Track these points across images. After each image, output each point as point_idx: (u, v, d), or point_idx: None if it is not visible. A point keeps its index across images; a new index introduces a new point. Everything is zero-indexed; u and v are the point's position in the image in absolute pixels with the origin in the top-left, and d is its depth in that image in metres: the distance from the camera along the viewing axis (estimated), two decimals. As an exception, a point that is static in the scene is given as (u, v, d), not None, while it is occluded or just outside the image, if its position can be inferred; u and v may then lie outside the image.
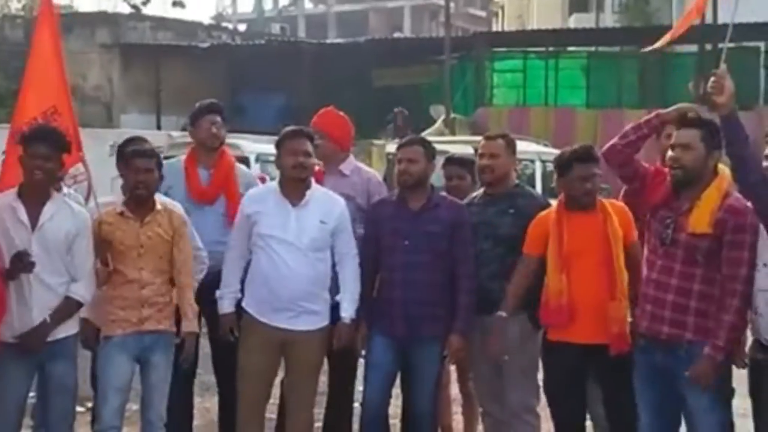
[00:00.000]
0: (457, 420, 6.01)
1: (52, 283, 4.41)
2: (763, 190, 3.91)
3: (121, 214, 4.66)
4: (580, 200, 4.62)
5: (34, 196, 4.42)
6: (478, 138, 5.46)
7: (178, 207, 4.86)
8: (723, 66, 4.10)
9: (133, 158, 4.68)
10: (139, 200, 4.66)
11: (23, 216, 4.38)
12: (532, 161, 13.61)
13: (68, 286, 4.46)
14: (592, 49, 27.26)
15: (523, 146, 11.07)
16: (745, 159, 3.94)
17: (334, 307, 4.86)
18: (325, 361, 5.08)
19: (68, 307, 4.48)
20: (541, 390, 4.86)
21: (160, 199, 4.79)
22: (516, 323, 4.75)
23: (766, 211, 3.95)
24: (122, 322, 4.61)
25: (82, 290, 4.51)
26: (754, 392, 4.06)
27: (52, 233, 4.40)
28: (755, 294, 4.02)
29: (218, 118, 5.32)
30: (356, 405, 5.22)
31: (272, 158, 5.11)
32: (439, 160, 5.38)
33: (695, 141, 4.12)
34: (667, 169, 4.27)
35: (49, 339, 4.40)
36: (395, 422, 5.42)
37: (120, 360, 4.60)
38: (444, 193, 5.20)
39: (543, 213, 4.78)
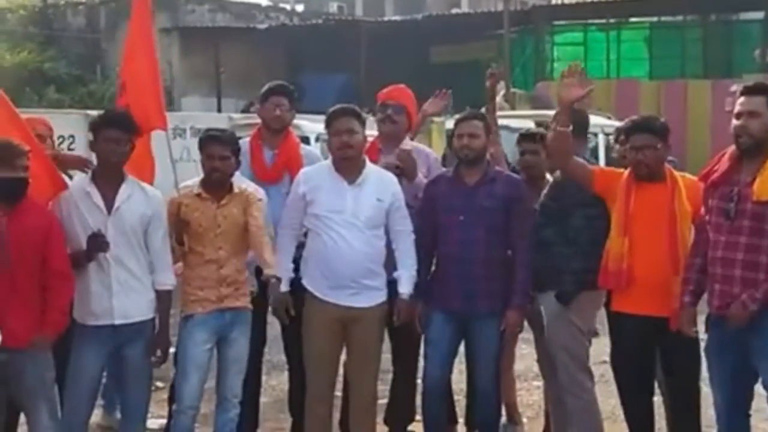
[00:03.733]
0: (524, 395, 5.99)
1: (131, 265, 4.49)
2: None
3: (199, 195, 4.70)
4: (636, 170, 4.55)
5: (108, 179, 4.49)
6: (539, 112, 5.41)
7: (259, 191, 4.90)
8: None
9: (209, 144, 4.72)
10: (215, 183, 4.71)
11: (98, 200, 4.45)
12: (595, 134, 13.43)
13: (148, 273, 4.53)
14: (655, 19, 26.77)
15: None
16: None
17: (391, 283, 4.86)
18: (387, 338, 5.09)
19: (165, 300, 4.59)
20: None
21: (240, 181, 4.82)
22: (544, 302, 4.74)
23: None
24: (202, 302, 4.66)
25: (166, 278, 4.61)
26: None
27: (127, 216, 4.46)
28: None
29: (284, 100, 5.33)
30: (419, 381, 5.22)
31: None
32: (505, 135, 5.35)
33: (761, 107, 4.04)
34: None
35: (126, 322, 4.47)
36: (459, 399, 5.43)
37: (201, 338, 4.65)
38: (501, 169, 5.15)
39: (618, 170, 4.73)
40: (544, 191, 4.99)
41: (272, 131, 5.33)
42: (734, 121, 4.14)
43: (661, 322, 4.41)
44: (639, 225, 4.50)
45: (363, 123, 4.86)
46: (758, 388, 4.22)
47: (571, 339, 4.77)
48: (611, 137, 13.32)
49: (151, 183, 4.78)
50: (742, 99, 4.11)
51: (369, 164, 4.89)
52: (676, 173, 4.62)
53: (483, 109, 5.53)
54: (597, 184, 4.64)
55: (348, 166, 4.79)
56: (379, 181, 4.85)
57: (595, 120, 13.70)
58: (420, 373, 5.10)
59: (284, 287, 4.81)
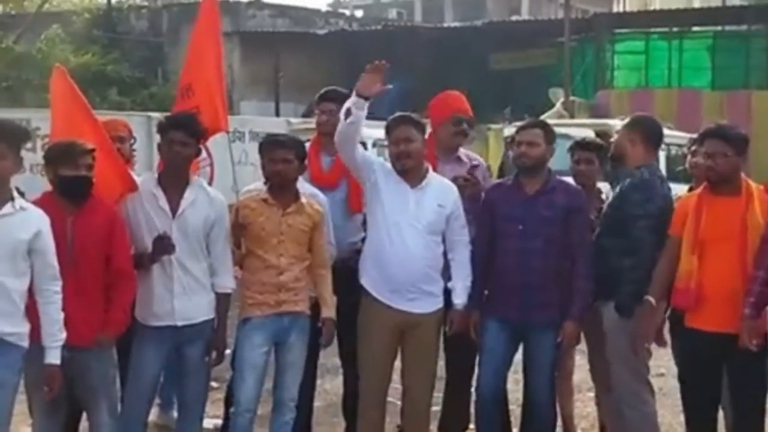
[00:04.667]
0: (579, 407, 5.93)
1: (193, 268, 4.54)
2: None
3: (265, 200, 4.73)
4: (708, 177, 4.48)
5: (174, 182, 4.55)
6: (599, 121, 5.37)
7: (321, 198, 4.93)
8: None
9: (271, 148, 4.75)
10: (280, 188, 4.73)
11: (164, 203, 4.51)
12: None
13: (208, 274, 4.58)
14: (718, 28, 26.38)
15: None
16: None
17: (446, 292, 4.85)
18: (441, 345, 5.08)
19: (224, 302, 4.65)
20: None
21: (305, 188, 4.85)
22: (605, 312, 4.69)
23: None
24: (261, 305, 4.69)
25: (228, 281, 4.66)
26: None
27: (192, 220, 4.51)
28: None
29: (332, 106, 5.33)
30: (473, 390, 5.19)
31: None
32: (565, 144, 5.32)
33: None
34: None
35: (188, 323, 4.53)
36: (514, 408, 5.39)
37: (258, 341, 4.68)
38: (563, 178, 5.12)
39: (688, 194, 4.68)
40: (608, 200, 4.95)
41: (327, 136, 5.35)
42: None
43: (731, 339, 4.32)
44: (711, 241, 4.43)
45: (422, 130, 4.86)
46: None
47: (630, 351, 4.72)
48: (672, 147, 13.22)
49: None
50: None
51: (431, 171, 4.88)
52: (753, 185, 4.52)
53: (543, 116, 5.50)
54: (677, 233, 4.56)
55: (407, 174, 4.80)
56: (441, 188, 4.86)
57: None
58: (474, 382, 5.08)
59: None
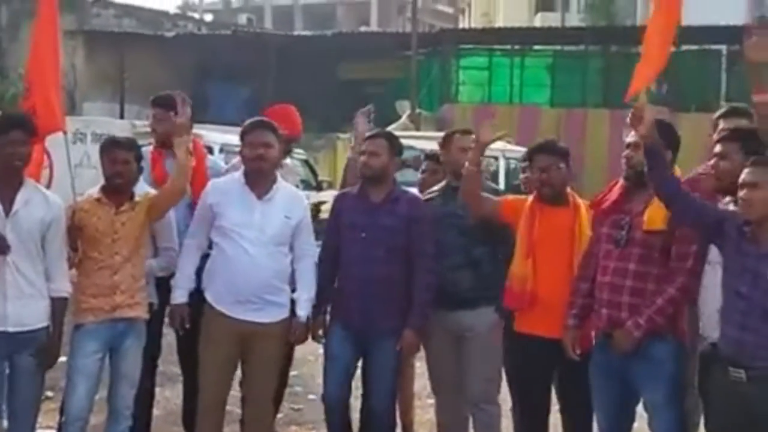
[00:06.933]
0: (419, 414, 6.04)
1: (27, 271, 4.37)
2: (678, 199, 4.00)
3: (98, 200, 4.65)
4: (540, 192, 4.68)
5: (7, 182, 4.39)
6: (443, 134, 5.52)
7: None
8: (643, 97, 4.19)
9: (112, 149, 4.68)
10: (116, 189, 4.67)
11: None
12: (496, 158, 13.69)
13: (44, 278, 4.42)
14: (558, 48, 27.44)
15: (488, 143, 11.13)
16: (663, 182, 4.02)
17: (292, 300, 4.88)
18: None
19: (60, 307, 4.48)
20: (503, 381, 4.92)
21: (144, 192, 4.77)
22: (486, 313, 4.82)
23: (681, 219, 4.04)
24: (95, 310, 4.60)
25: (63, 285, 4.50)
26: (701, 385, 4.12)
27: (26, 220, 4.36)
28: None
29: (160, 111, 5.29)
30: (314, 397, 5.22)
31: (237, 149, 5.12)
32: (409, 155, 5.46)
33: None
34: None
35: (21, 330, 4.36)
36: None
37: (91, 348, 4.58)
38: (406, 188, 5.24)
39: (522, 197, 4.88)
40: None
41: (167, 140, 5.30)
42: (624, 151, 4.31)
43: (560, 345, 4.48)
44: (542, 248, 4.62)
45: (279, 137, 4.88)
46: (640, 409, 4.36)
47: (494, 353, 4.84)
48: (511, 161, 13.66)
49: (47, 187, 4.68)
50: (632, 131, 4.26)
51: (280, 180, 4.90)
52: (579, 199, 4.76)
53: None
54: (505, 214, 4.78)
55: (260, 179, 4.80)
56: (288, 199, 4.88)
57: (495, 144, 13.99)
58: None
59: (182, 298, 4.79)
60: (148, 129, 5.68)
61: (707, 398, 4.05)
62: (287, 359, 5.42)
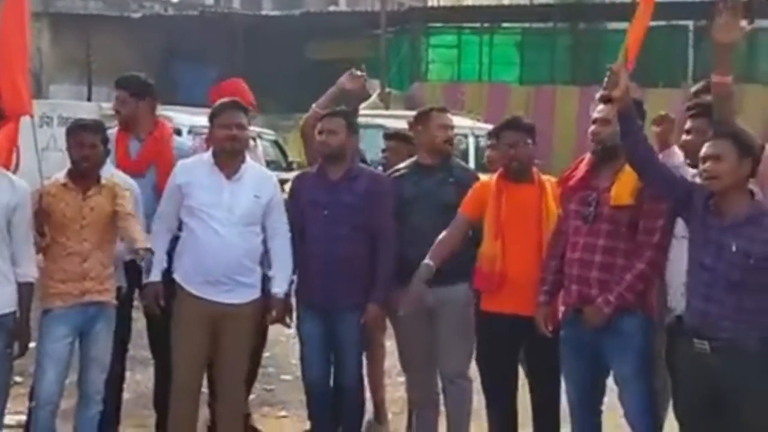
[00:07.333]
0: (389, 391, 6.06)
1: None
2: (650, 166, 3.99)
3: (65, 185, 4.60)
4: (508, 168, 4.69)
5: None
6: (413, 113, 5.52)
7: (129, 182, 4.80)
8: (620, 59, 4.18)
9: (78, 132, 4.62)
10: (83, 173, 4.61)
11: None
12: (466, 136, 13.70)
13: (10, 264, 4.37)
14: (526, 25, 27.47)
15: (457, 121, 11.15)
16: (637, 147, 3.99)
17: (264, 280, 4.87)
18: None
19: (27, 292, 4.44)
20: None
21: (110, 174, 4.72)
22: (460, 290, 4.82)
23: (653, 186, 4.04)
24: (63, 295, 4.55)
25: (30, 270, 4.46)
26: (668, 358, 4.16)
27: None
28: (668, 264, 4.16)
29: (122, 93, 5.26)
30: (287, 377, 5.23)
31: (206, 130, 5.08)
32: (373, 134, 5.44)
33: (613, 115, 4.17)
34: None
35: None
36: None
37: (60, 333, 4.54)
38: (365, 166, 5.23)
39: (484, 180, 4.85)
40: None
41: (132, 122, 5.25)
42: (591, 127, 4.32)
43: (528, 322, 4.51)
44: (510, 228, 4.63)
45: (249, 118, 4.86)
46: (610, 383, 4.40)
47: (467, 330, 4.84)
48: (481, 139, 13.68)
49: (13, 171, 4.64)
50: (599, 106, 4.28)
51: (249, 160, 4.88)
52: (544, 177, 4.77)
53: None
54: (475, 214, 4.72)
55: (230, 160, 4.78)
56: (257, 178, 4.86)
57: (465, 122, 14.03)
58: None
59: (156, 277, 4.77)
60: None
61: (674, 371, 4.09)
62: (262, 338, 5.41)
